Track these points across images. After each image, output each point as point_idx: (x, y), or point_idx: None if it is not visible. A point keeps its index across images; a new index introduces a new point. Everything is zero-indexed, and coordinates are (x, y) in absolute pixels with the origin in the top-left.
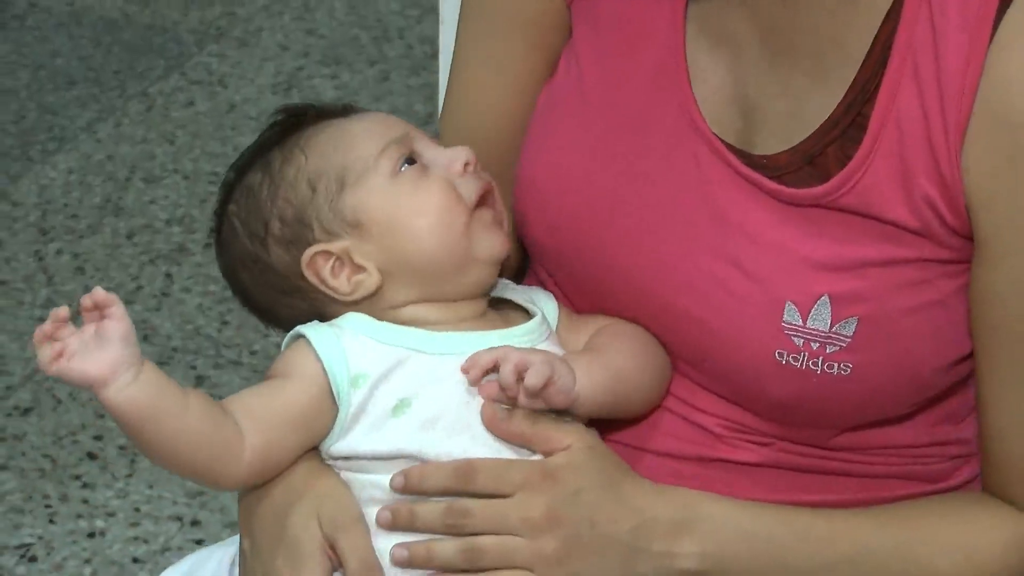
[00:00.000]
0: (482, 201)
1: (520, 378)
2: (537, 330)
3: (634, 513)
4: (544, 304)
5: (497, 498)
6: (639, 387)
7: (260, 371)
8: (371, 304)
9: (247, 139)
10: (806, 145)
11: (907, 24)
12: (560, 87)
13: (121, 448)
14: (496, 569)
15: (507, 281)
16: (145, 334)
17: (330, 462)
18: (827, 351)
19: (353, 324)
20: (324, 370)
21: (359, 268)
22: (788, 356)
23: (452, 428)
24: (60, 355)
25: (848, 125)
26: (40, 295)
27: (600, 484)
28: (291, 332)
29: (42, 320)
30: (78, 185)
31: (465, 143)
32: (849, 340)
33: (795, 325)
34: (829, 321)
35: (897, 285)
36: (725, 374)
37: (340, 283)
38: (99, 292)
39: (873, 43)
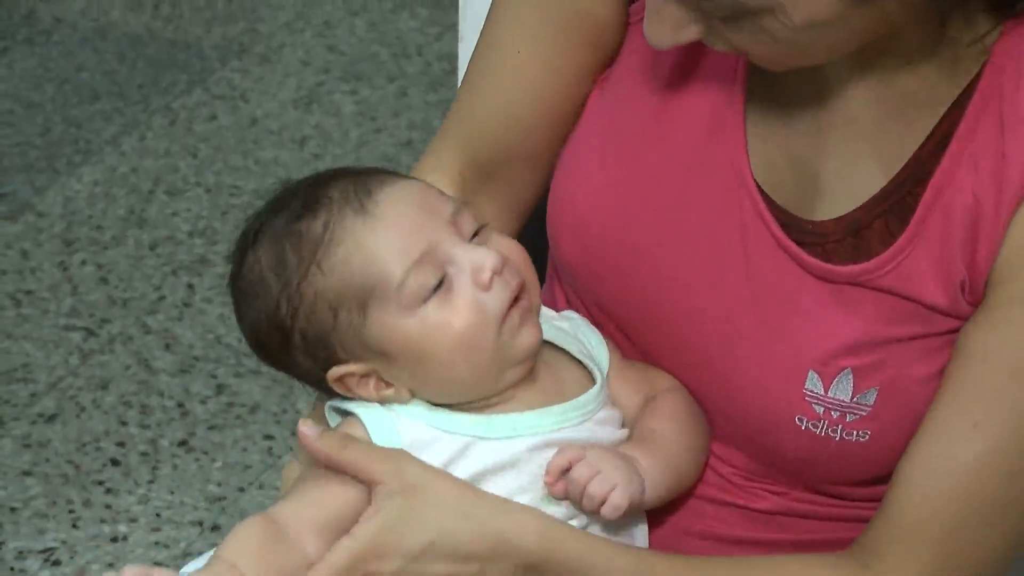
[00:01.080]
0: (511, 303)
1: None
2: (594, 401)
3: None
4: (596, 349)
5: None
6: (691, 472)
7: (279, 380)
8: None
9: (268, 153)
10: (854, 216)
11: (974, 113)
12: (609, 110)
13: (143, 455)
14: None
15: (550, 313)
16: (167, 343)
17: None
18: (847, 420)
19: (408, 409)
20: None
21: (387, 384)
22: (808, 422)
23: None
24: None
25: (896, 202)
26: (64, 304)
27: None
28: (337, 404)
29: (66, 328)
30: (102, 197)
31: (491, 126)
32: (869, 409)
33: (816, 393)
34: (851, 392)
35: (917, 356)
36: (744, 429)
37: (368, 394)
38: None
39: (937, 126)
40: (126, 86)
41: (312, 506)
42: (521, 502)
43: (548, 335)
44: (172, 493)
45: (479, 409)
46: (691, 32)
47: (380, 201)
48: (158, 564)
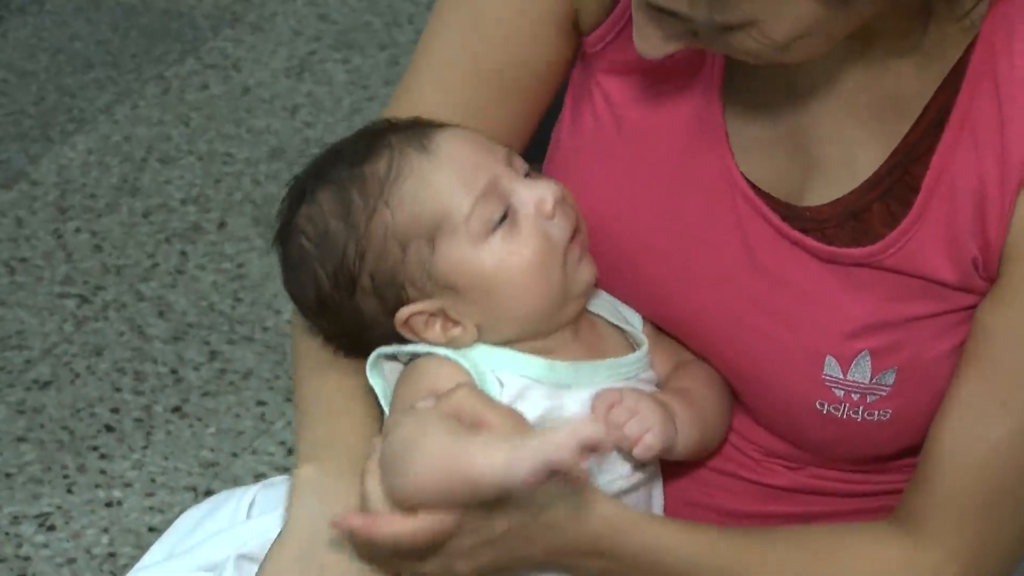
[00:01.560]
0: (571, 236)
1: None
2: (643, 360)
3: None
4: (631, 317)
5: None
6: (716, 434)
7: (272, 347)
8: None
9: (260, 121)
10: (850, 199)
11: (968, 92)
12: (592, 131)
13: (137, 421)
14: None
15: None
16: (160, 310)
17: None
18: (867, 400)
19: (468, 351)
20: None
21: (455, 323)
22: (829, 407)
23: None
24: None
25: (893, 183)
26: (59, 272)
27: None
28: (392, 349)
29: (61, 296)
30: (96, 165)
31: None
32: (889, 389)
33: (836, 378)
34: (869, 374)
35: (935, 334)
36: (764, 418)
37: (434, 335)
38: None
39: (928, 105)
40: (119, 55)
41: None
42: None
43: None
44: (166, 459)
45: (538, 352)
46: (680, 43)
47: (440, 142)
48: (152, 529)
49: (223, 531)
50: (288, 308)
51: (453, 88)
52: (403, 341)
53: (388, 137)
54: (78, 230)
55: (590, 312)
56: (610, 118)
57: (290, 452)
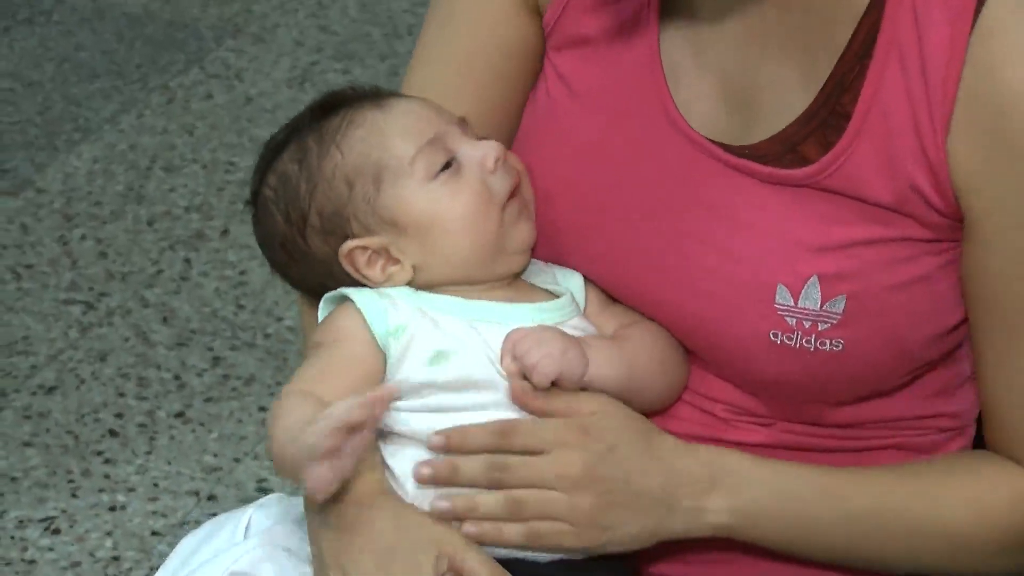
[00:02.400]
0: (511, 194)
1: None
2: (567, 306)
3: (664, 468)
4: (570, 282)
5: (535, 455)
6: (653, 383)
7: (274, 353)
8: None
9: (263, 131)
10: (787, 133)
11: (890, 18)
12: (546, 106)
13: (141, 426)
14: (536, 520)
15: (535, 261)
16: (164, 316)
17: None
18: (819, 329)
19: (393, 289)
20: (367, 324)
21: (394, 260)
22: (783, 336)
23: (483, 389)
24: None
25: (828, 114)
26: (64, 278)
27: (631, 440)
28: (332, 294)
29: (66, 302)
30: (101, 174)
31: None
32: (839, 317)
33: (787, 306)
34: (819, 300)
35: (883, 263)
36: (725, 357)
37: (374, 273)
38: None
39: (852, 37)
40: (124, 65)
41: (336, 377)
42: (479, 382)
43: (524, 275)
44: (169, 463)
45: (465, 295)
46: None
47: (393, 103)
48: (155, 533)
49: (220, 552)
50: (290, 315)
51: (437, 80)
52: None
53: (348, 97)
54: (83, 237)
55: (529, 282)
56: (562, 91)
57: None
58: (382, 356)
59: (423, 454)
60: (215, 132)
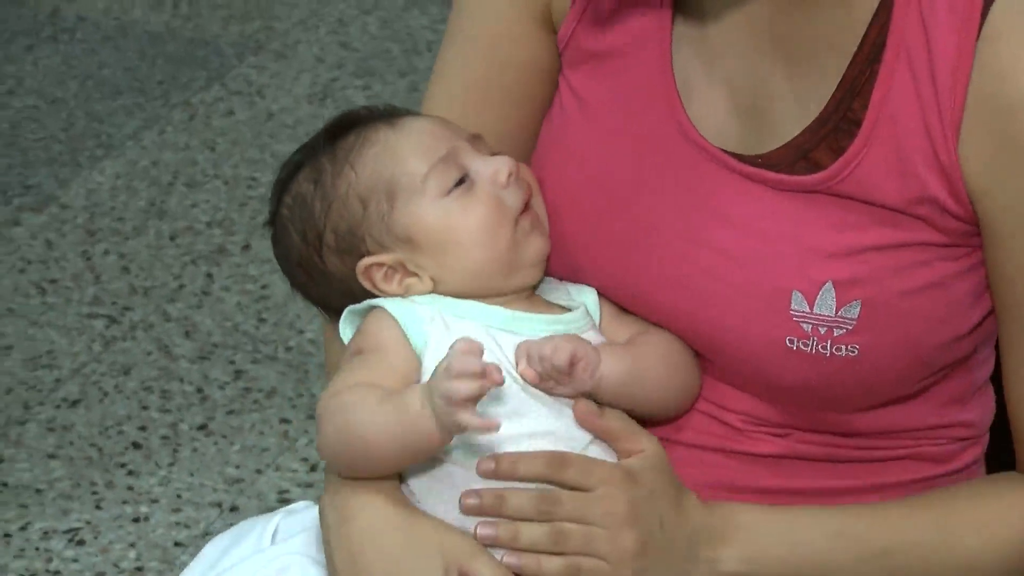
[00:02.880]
0: (524, 207)
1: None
2: (582, 319)
3: (688, 520)
4: (584, 297)
5: (581, 491)
6: (663, 389)
7: (295, 366)
8: None
9: (284, 146)
10: (799, 140)
11: (898, 24)
12: (560, 122)
13: (164, 438)
14: (576, 555)
15: (549, 279)
16: (187, 330)
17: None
18: (834, 334)
19: (418, 297)
20: (403, 332)
21: (411, 274)
22: (799, 342)
23: (497, 399)
24: None
25: (840, 120)
26: (87, 293)
27: (666, 489)
28: (357, 306)
29: (89, 316)
30: (124, 189)
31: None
32: (854, 323)
33: (803, 312)
34: (834, 306)
35: (897, 268)
36: (741, 365)
37: (392, 288)
38: None
39: (862, 42)
40: (147, 82)
41: (384, 382)
42: (502, 389)
43: (539, 291)
44: (192, 475)
45: (485, 303)
46: None
47: (407, 121)
48: (178, 544)
49: (246, 559)
50: (311, 328)
51: (456, 99)
52: None
53: (362, 117)
54: (106, 252)
55: (544, 298)
56: (575, 106)
57: (313, 468)
58: (418, 362)
59: (436, 468)
60: (236, 148)
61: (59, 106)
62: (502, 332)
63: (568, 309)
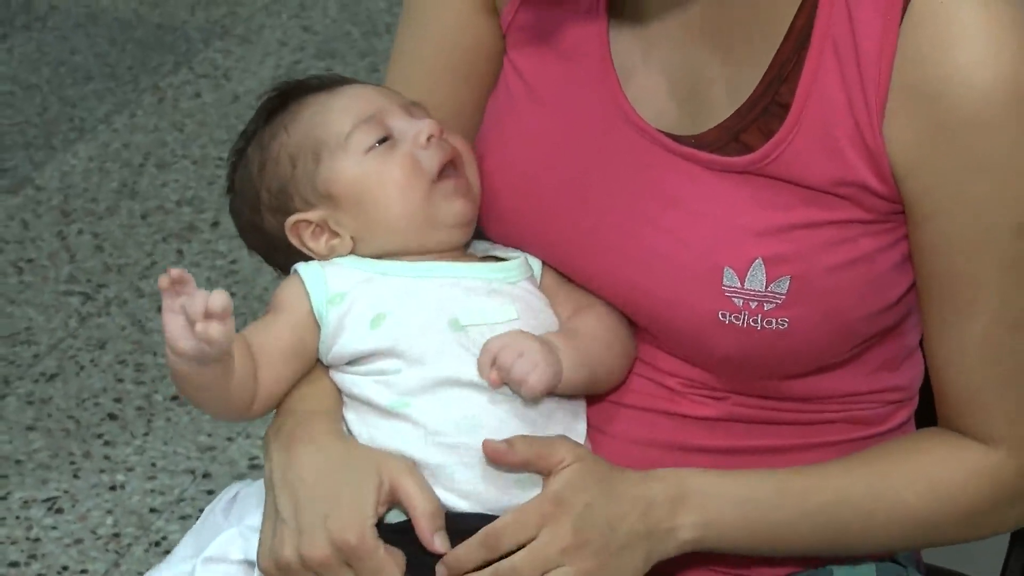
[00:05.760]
0: (446, 171)
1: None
2: (519, 268)
3: (634, 502)
4: (532, 263)
5: (527, 544)
6: (607, 367)
7: None
8: None
9: None
10: (730, 122)
11: (824, 10)
12: (506, 103)
13: (139, 409)
14: None
15: (497, 245)
16: (159, 306)
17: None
18: (765, 309)
19: (340, 259)
20: (307, 293)
21: (335, 234)
22: (730, 316)
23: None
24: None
25: (768, 103)
26: (63, 271)
27: (599, 490)
28: (296, 265)
29: (65, 294)
30: (97, 171)
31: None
32: (783, 297)
33: (734, 287)
34: (764, 281)
35: (824, 245)
36: (676, 336)
37: (318, 246)
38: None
39: (789, 29)
40: (117, 67)
41: (269, 342)
42: (423, 333)
43: (484, 251)
44: (166, 444)
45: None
46: None
47: (345, 87)
48: (153, 510)
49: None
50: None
51: (411, 79)
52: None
53: (312, 86)
54: (81, 232)
55: (477, 255)
56: (520, 87)
57: None
58: (316, 325)
59: (380, 420)
60: (204, 129)
61: (33, 92)
62: (432, 279)
63: (505, 260)
